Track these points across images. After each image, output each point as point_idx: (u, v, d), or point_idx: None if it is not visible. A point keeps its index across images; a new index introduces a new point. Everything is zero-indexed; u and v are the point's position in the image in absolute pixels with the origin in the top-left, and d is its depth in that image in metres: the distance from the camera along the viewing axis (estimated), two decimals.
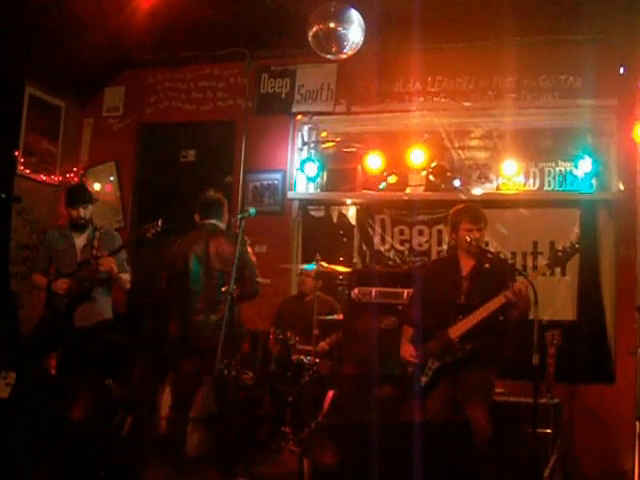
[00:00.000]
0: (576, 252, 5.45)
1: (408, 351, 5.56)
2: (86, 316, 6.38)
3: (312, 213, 8.52)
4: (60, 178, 8.66)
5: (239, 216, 5.71)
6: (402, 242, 8.08)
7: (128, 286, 6.63)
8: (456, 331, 5.33)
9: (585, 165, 7.52)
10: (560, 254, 5.36)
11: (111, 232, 6.78)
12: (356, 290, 6.99)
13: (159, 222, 6.30)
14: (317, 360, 6.82)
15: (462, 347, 5.31)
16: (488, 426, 5.20)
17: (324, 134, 8.58)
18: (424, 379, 5.45)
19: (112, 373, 6.63)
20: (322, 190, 8.68)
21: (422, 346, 5.49)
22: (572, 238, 7.40)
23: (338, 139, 8.54)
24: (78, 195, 6.56)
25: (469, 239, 5.42)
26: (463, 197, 7.66)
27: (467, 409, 5.31)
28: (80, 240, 6.51)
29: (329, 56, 6.31)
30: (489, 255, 5.70)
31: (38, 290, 6.65)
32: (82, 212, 6.47)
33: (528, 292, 5.19)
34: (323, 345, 7.23)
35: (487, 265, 5.50)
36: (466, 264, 5.55)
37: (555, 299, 7.32)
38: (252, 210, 5.71)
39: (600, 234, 7.51)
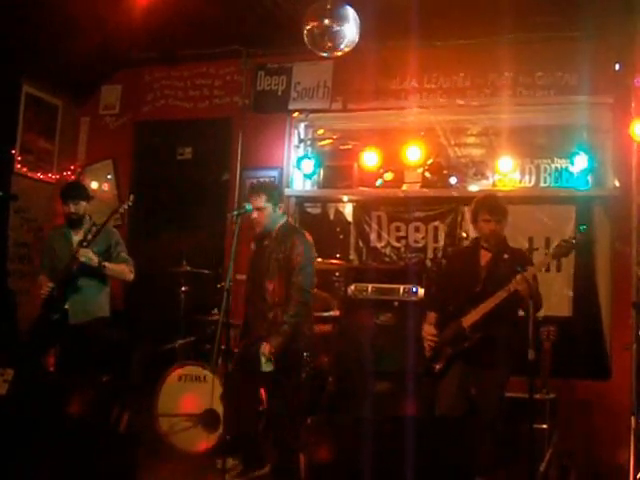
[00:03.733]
0: (579, 243, 5.46)
1: (428, 331, 5.64)
2: (80, 313, 6.43)
3: (309, 210, 8.55)
4: (57, 176, 8.66)
5: (235, 212, 5.73)
6: (398, 239, 8.09)
7: (131, 277, 6.63)
8: (469, 320, 5.40)
9: (581, 162, 7.52)
10: (564, 243, 5.38)
11: (109, 228, 6.79)
12: (352, 286, 7.00)
13: (131, 197, 6.47)
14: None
15: (472, 336, 5.38)
16: (496, 428, 5.28)
17: (320, 131, 8.61)
18: (438, 366, 5.54)
19: (109, 369, 6.64)
20: (319, 187, 8.71)
21: (439, 333, 5.57)
22: (568, 234, 7.41)
23: (334, 136, 8.58)
24: (69, 191, 6.64)
25: (487, 232, 5.49)
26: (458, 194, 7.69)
27: (481, 406, 5.42)
28: (77, 237, 6.56)
29: (324, 54, 6.30)
30: (508, 245, 5.72)
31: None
32: (73, 207, 6.52)
33: (532, 284, 5.23)
34: (327, 328, 7.25)
35: (506, 255, 5.52)
36: (485, 253, 5.61)
37: (551, 295, 7.28)
38: (248, 206, 5.71)
39: (596, 230, 7.51)
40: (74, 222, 6.58)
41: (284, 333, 5.49)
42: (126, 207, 6.49)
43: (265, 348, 5.44)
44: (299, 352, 5.85)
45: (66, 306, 6.41)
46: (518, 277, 5.21)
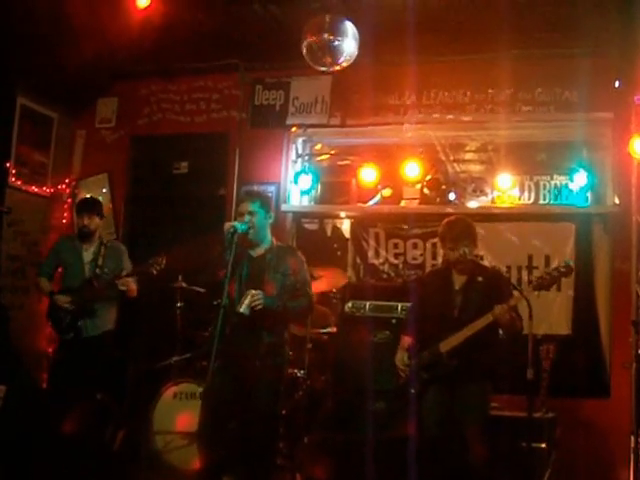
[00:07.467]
0: (563, 275, 5.38)
1: (400, 359, 5.60)
2: (91, 326, 6.63)
3: (306, 226, 8.48)
4: (51, 190, 8.60)
5: (231, 231, 5.58)
6: (396, 255, 8.02)
7: (135, 295, 6.77)
8: (446, 345, 5.35)
9: (580, 179, 7.50)
10: (547, 276, 5.32)
11: (118, 247, 7.08)
12: (350, 303, 6.95)
13: (163, 259, 6.48)
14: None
15: (448, 362, 5.32)
16: (482, 444, 5.20)
17: (318, 146, 8.55)
18: (413, 390, 5.49)
19: (104, 386, 6.58)
20: (316, 203, 8.64)
21: (415, 357, 5.51)
22: (567, 252, 7.39)
23: (332, 152, 8.52)
24: (85, 205, 6.92)
25: (453, 259, 5.42)
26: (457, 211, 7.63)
27: (463, 426, 5.31)
28: (87, 254, 6.79)
29: (322, 68, 6.30)
30: (482, 267, 5.67)
31: (40, 293, 7.07)
32: (86, 221, 6.74)
33: (511, 315, 5.21)
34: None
35: (480, 278, 5.47)
36: (459, 278, 5.54)
37: (550, 313, 7.28)
38: (243, 225, 5.52)
39: (595, 248, 7.47)
40: (85, 236, 6.78)
41: (278, 303, 5.30)
42: (158, 268, 6.47)
43: (257, 293, 5.19)
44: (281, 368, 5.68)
45: (79, 323, 6.57)
46: (498, 308, 5.17)
